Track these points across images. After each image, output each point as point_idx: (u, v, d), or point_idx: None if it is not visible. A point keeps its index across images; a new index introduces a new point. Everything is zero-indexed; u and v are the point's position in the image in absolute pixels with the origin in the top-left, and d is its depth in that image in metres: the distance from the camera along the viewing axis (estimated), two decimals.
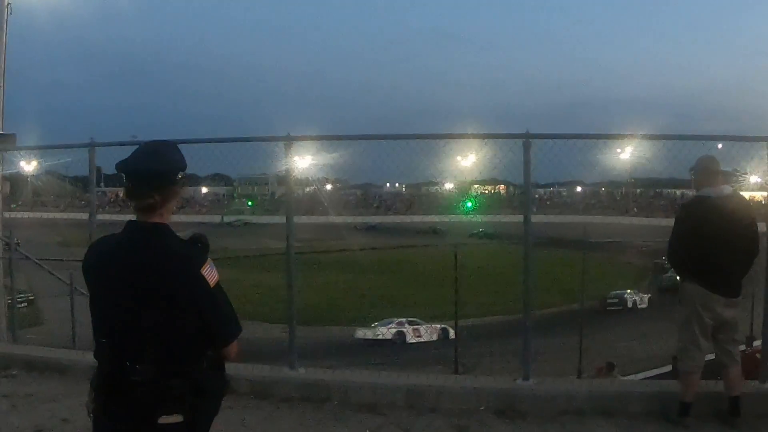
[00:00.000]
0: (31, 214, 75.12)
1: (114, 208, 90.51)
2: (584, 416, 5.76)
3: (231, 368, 6.97)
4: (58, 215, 79.26)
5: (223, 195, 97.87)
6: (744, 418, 5.53)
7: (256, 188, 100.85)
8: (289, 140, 6.74)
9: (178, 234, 2.91)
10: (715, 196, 5.49)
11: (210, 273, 2.81)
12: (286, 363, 6.81)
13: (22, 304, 14.02)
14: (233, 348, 2.95)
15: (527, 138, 6.18)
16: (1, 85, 12.43)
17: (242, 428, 5.73)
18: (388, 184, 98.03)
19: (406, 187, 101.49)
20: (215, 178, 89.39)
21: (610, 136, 7.03)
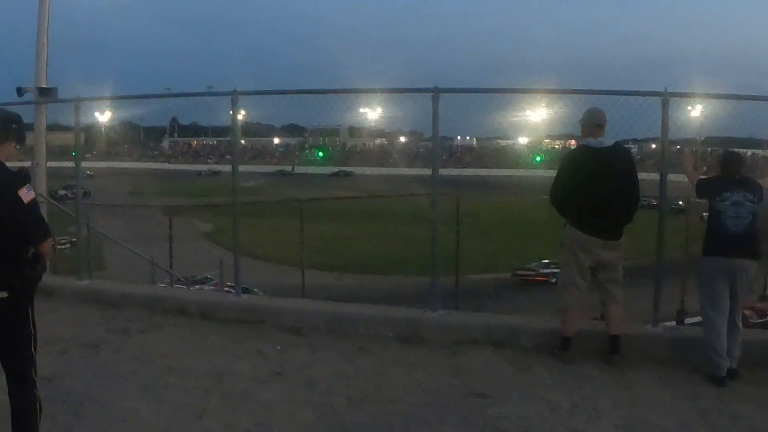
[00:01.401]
0: (105, 164, 77.48)
1: (186, 157, 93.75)
2: (476, 346, 6.22)
3: (183, 295, 7.76)
4: (131, 165, 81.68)
5: (294, 146, 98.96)
6: (627, 358, 5.90)
7: (327, 139, 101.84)
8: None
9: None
10: (596, 146, 5.83)
11: (26, 194, 3.82)
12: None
13: (66, 246, 15.88)
14: (46, 246, 3.97)
15: (437, 91, 6.55)
16: (45, 42, 13.35)
17: (181, 341, 6.49)
18: (459, 137, 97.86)
19: (476, 141, 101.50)
20: (290, 129, 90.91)
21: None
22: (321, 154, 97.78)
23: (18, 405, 3.89)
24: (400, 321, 6.65)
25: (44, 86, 12.88)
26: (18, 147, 4.09)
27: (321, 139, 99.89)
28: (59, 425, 4.50)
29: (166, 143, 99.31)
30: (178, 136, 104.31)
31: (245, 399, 5.08)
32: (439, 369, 5.71)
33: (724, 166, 5.81)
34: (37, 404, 3.93)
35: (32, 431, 3.90)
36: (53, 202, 12.30)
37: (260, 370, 5.70)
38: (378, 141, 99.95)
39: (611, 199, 5.78)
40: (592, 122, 5.93)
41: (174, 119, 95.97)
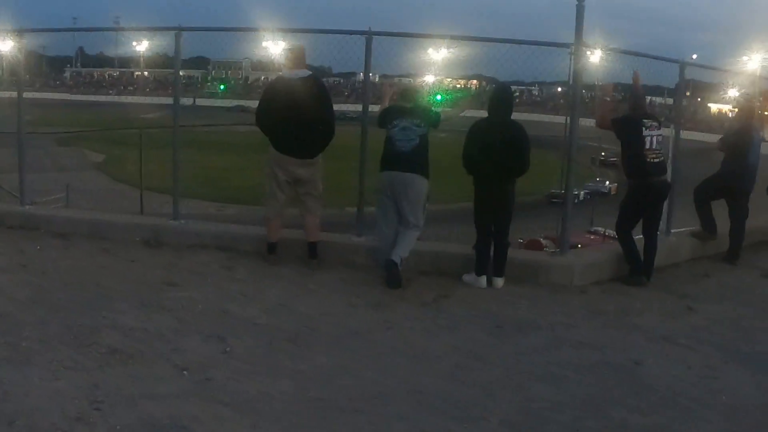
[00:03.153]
0: (7, 94, 75.25)
1: (89, 88, 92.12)
2: (205, 249, 7.40)
3: None
4: (32, 95, 79.52)
5: (198, 78, 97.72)
6: (327, 262, 7.16)
7: (230, 72, 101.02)
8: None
9: None
10: (288, 76, 6.95)
11: None
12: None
13: None
14: None
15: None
16: None
17: None
18: (361, 74, 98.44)
19: (379, 77, 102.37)
20: (197, 61, 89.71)
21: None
22: (222, 86, 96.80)
23: None
24: (147, 227, 7.84)
25: None
26: None
27: (224, 72, 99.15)
28: None
29: (68, 74, 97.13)
30: (82, 66, 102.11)
31: None
32: (156, 265, 6.87)
33: (401, 97, 7.14)
34: None
35: None
36: None
37: (12, 263, 6.74)
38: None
39: (301, 123, 6.83)
40: (293, 56, 7.02)
41: (80, 49, 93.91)
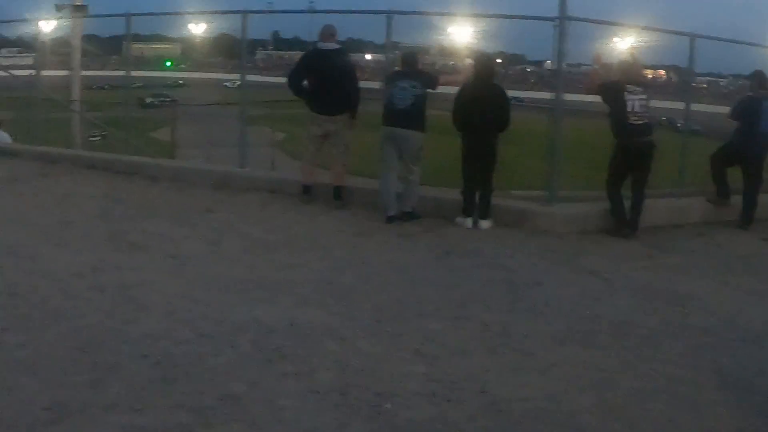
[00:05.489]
0: (197, 75, 79.40)
1: (279, 70, 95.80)
2: (256, 191, 8.98)
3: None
4: (222, 76, 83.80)
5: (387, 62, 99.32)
6: (351, 203, 8.46)
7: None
8: None
9: None
10: (321, 48, 8.48)
11: None
12: None
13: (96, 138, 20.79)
14: None
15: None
16: None
17: None
18: (549, 62, 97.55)
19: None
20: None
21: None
22: None
23: None
24: (217, 173, 9.67)
25: (78, 4, 16.48)
26: None
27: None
28: None
29: (259, 56, 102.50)
30: (274, 49, 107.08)
31: None
32: (210, 199, 8.58)
33: (402, 62, 8.41)
34: None
35: None
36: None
37: (97, 192, 8.75)
38: (468, 61, 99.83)
39: (329, 86, 8.31)
40: (325, 33, 8.48)
41: (274, 33, 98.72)
